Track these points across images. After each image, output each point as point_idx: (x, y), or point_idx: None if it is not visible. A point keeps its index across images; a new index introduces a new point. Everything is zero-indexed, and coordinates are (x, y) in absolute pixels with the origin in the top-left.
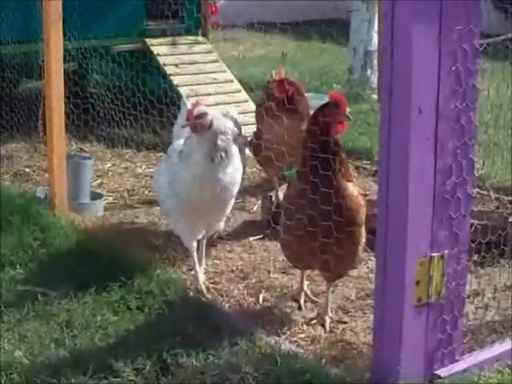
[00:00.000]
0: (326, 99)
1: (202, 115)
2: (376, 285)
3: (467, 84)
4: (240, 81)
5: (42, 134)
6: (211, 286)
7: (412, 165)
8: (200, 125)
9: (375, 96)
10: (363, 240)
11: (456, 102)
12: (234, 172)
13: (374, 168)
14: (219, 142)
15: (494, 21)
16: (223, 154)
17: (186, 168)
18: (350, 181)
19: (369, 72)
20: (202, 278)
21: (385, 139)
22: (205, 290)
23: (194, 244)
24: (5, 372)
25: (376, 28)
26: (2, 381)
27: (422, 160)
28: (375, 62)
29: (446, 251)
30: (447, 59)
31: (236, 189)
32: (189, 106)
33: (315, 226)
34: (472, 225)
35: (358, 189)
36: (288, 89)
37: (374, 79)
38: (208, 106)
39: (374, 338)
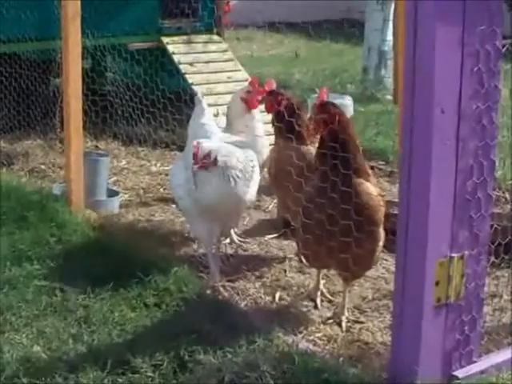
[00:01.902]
0: (348, 99)
1: (207, 155)
2: (395, 285)
3: (489, 85)
4: None
5: (59, 131)
6: (227, 284)
7: (434, 165)
8: (207, 164)
9: (390, 97)
10: (381, 241)
11: (478, 103)
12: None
13: (389, 169)
14: (230, 171)
15: (506, 22)
16: (239, 174)
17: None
18: (368, 181)
19: (383, 72)
20: (218, 277)
21: (407, 139)
22: (221, 289)
23: (210, 242)
24: (23, 367)
25: (391, 28)
26: (21, 375)
27: (443, 160)
28: (390, 62)
29: (466, 252)
30: (470, 59)
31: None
32: (194, 147)
33: (333, 226)
34: (491, 226)
35: (376, 189)
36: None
37: (389, 80)
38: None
39: (392, 337)
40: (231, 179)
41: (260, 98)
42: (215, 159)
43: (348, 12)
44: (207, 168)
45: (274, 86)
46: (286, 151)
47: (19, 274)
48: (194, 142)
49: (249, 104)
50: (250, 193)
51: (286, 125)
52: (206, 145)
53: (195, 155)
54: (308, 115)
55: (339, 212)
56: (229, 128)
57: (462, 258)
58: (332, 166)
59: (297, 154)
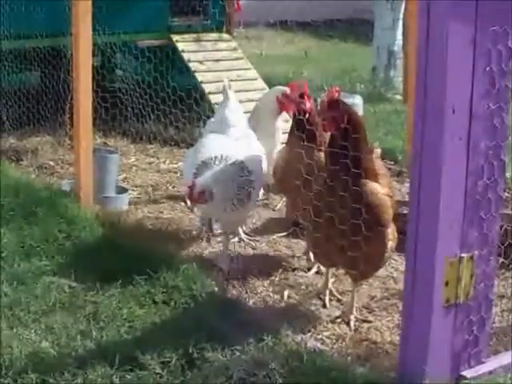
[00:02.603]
0: (358, 99)
1: (202, 193)
2: (405, 284)
3: (500, 85)
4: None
5: (68, 127)
6: (236, 282)
7: (444, 165)
8: (203, 201)
9: (399, 96)
10: (391, 241)
11: (489, 103)
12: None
13: (398, 168)
14: (227, 203)
15: None
16: (236, 203)
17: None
18: (376, 181)
19: (392, 72)
20: (228, 261)
21: (418, 138)
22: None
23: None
24: (31, 362)
25: (401, 28)
26: (29, 371)
27: (454, 160)
28: (399, 62)
29: (476, 252)
30: (481, 59)
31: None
32: (187, 185)
33: (341, 224)
34: (500, 227)
35: (385, 189)
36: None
37: (398, 79)
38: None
39: (400, 337)
40: (229, 209)
41: (296, 104)
42: (211, 194)
43: (358, 12)
44: (204, 203)
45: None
46: (296, 150)
47: (28, 270)
48: (188, 181)
49: (283, 107)
50: (252, 204)
51: (297, 124)
52: (200, 182)
53: (190, 193)
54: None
55: (347, 211)
56: (253, 124)
57: (471, 258)
58: (342, 165)
59: (307, 152)
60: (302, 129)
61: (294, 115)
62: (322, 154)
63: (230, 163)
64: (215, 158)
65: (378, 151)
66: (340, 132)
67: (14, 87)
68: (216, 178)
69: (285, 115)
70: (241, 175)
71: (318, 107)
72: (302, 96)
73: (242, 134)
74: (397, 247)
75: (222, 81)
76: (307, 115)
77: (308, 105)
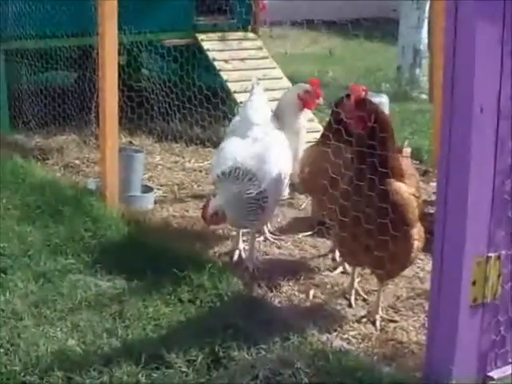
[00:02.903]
0: (384, 98)
1: (215, 213)
2: (432, 284)
3: None
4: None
5: (94, 126)
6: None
7: (472, 164)
8: (217, 222)
9: (424, 95)
10: (417, 241)
11: None
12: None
13: (424, 168)
14: (241, 222)
15: None
16: (252, 218)
17: None
18: (401, 181)
19: (418, 71)
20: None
21: (446, 138)
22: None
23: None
24: (58, 360)
25: (426, 27)
26: (55, 368)
27: (482, 159)
28: (424, 61)
29: (503, 252)
30: (509, 58)
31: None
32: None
33: (367, 224)
34: None
35: (411, 189)
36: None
37: (424, 78)
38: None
39: (427, 336)
40: (244, 224)
41: (317, 99)
42: (223, 215)
43: (384, 10)
44: (217, 224)
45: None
46: (323, 148)
47: (54, 268)
48: (206, 201)
49: (305, 103)
50: (269, 212)
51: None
52: (214, 203)
53: (204, 214)
54: None
55: (372, 210)
56: (276, 122)
57: (498, 257)
58: (368, 164)
59: (334, 151)
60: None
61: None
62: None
63: (241, 179)
64: (229, 172)
65: (408, 150)
66: (367, 131)
67: (40, 86)
68: (227, 199)
69: (309, 114)
70: (250, 192)
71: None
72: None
73: (263, 134)
74: (423, 247)
75: (248, 80)
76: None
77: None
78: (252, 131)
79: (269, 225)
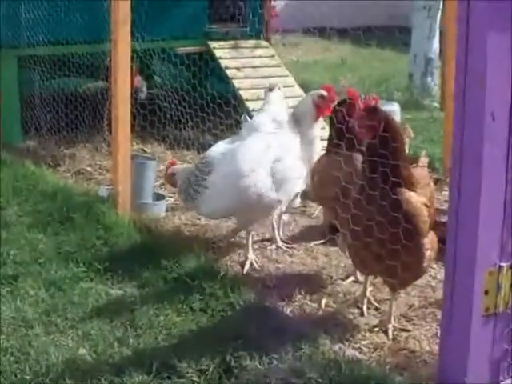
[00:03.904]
0: (396, 106)
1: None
2: (444, 293)
3: None
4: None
5: (106, 133)
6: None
7: (484, 173)
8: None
9: (436, 104)
10: (429, 250)
11: None
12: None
13: (435, 176)
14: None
15: None
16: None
17: None
18: (413, 190)
19: (429, 79)
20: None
21: (457, 146)
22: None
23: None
24: (69, 369)
25: (438, 36)
26: (66, 377)
27: (493, 168)
28: (436, 69)
29: None
30: None
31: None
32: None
33: (379, 233)
34: None
35: (422, 198)
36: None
37: (435, 87)
38: None
39: (440, 346)
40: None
41: (332, 105)
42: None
43: (394, 18)
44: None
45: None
46: (335, 157)
47: (65, 276)
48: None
49: (320, 111)
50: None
51: (336, 131)
52: (176, 167)
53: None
54: None
55: (384, 220)
56: (293, 128)
57: (511, 267)
58: (380, 173)
59: (346, 160)
60: (341, 136)
61: (333, 123)
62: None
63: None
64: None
65: (425, 160)
66: (378, 140)
67: (52, 93)
68: (183, 169)
69: (321, 122)
70: (197, 172)
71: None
72: (349, 103)
73: (263, 138)
74: (436, 256)
75: (260, 88)
76: (348, 122)
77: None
78: (248, 136)
79: (281, 233)
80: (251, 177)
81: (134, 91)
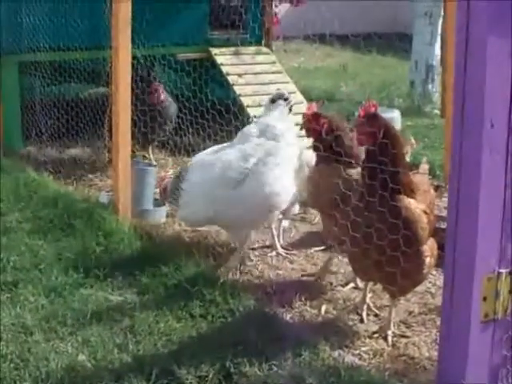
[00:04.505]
0: (396, 113)
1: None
2: (443, 299)
3: None
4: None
5: (107, 140)
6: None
7: (483, 179)
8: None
9: (437, 111)
10: (429, 257)
11: None
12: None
13: (436, 183)
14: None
15: None
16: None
17: None
18: (412, 197)
19: (430, 86)
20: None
21: (456, 152)
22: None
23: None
24: (68, 375)
25: (439, 42)
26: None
27: (492, 174)
28: (437, 76)
29: None
30: None
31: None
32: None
33: (378, 240)
34: None
35: (421, 205)
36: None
37: (436, 94)
38: None
39: (439, 352)
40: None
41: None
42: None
43: (396, 25)
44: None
45: (315, 109)
46: (325, 171)
47: (65, 283)
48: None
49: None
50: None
51: (325, 146)
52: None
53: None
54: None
55: (383, 227)
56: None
57: (510, 273)
58: (379, 180)
59: (335, 169)
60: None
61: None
62: (354, 171)
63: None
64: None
65: (426, 167)
66: (377, 147)
67: (53, 99)
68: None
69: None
70: (179, 177)
71: (355, 122)
72: (315, 117)
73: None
74: (435, 262)
75: (261, 94)
76: (325, 136)
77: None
78: (237, 145)
79: (281, 239)
80: (220, 187)
81: (161, 107)
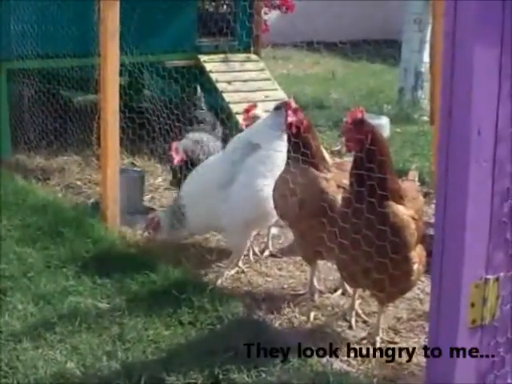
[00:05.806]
0: (384, 120)
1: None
2: (430, 306)
3: None
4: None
5: (96, 147)
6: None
7: (470, 186)
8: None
9: (426, 118)
10: (417, 264)
11: None
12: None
13: (425, 189)
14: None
15: None
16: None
17: None
18: (401, 203)
19: (419, 93)
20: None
21: (443, 160)
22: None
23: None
24: (57, 383)
25: (428, 50)
26: None
27: (479, 182)
28: (426, 83)
29: (502, 274)
30: (507, 81)
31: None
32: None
33: (366, 247)
34: None
35: (409, 211)
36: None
37: (425, 101)
38: None
39: (427, 358)
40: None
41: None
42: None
43: (386, 32)
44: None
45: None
46: (292, 171)
47: (54, 290)
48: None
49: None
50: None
51: (293, 146)
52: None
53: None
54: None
55: (371, 233)
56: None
57: (497, 279)
58: (366, 186)
59: (302, 173)
60: (297, 149)
61: (289, 138)
62: (322, 174)
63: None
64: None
65: (415, 174)
66: (365, 153)
67: (41, 106)
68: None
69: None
70: (174, 212)
71: (342, 128)
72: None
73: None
74: (424, 269)
75: (249, 101)
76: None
77: (295, 119)
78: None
79: (270, 246)
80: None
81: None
